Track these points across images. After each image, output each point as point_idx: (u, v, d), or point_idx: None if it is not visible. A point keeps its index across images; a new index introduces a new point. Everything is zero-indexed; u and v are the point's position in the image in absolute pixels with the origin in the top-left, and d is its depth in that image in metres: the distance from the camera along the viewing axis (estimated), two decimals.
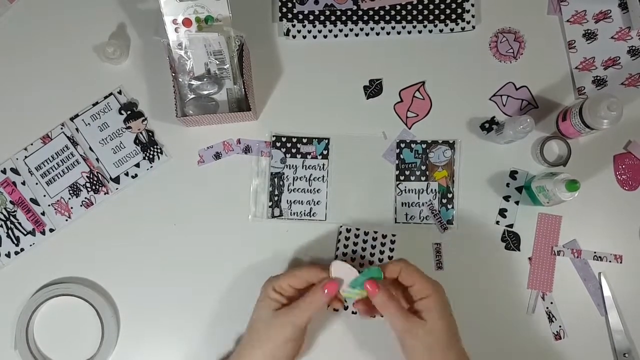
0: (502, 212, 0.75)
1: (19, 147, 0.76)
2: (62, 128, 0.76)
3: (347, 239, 0.75)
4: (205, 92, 0.73)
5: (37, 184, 0.76)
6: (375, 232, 0.75)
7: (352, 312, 0.74)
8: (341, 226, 0.75)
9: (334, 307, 0.70)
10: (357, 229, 0.75)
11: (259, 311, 0.66)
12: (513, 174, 0.76)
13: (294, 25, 0.78)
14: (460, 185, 0.76)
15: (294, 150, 0.76)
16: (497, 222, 0.75)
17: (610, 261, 0.74)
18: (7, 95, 0.77)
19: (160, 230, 0.75)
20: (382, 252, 0.75)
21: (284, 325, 0.63)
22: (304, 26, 0.78)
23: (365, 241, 0.75)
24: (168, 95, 0.73)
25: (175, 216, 0.75)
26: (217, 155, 0.76)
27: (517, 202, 0.75)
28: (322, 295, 0.63)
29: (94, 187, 0.76)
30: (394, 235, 0.75)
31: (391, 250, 0.75)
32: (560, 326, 0.73)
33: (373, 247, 0.75)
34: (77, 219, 0.75)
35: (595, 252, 0.74)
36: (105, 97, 0.77)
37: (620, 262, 0.74)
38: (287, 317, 0.63)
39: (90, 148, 0.76)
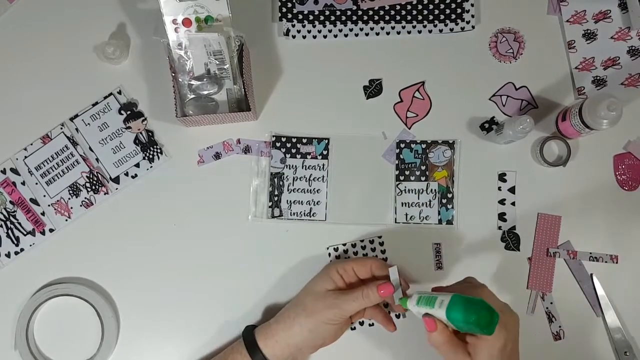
0: (502, 217, 0.75)
1: (18, 147, 0.76)
2: (61, 128, 0.76)
3: (338, 257, 0.75)
4: (205, 92, 0.73)
5: (37, 184, 0.76)
6: (362, 241, 0.75)
7: (370, 325, 0.74)
8: (327, 248, 0.75)
9: (395, 312, 0.73)
10: (344, 245, 0.75)
11: (313, 286, 0.68)
12: (502, 177, 0.76)
13: (293, 25, 0.78)
14: (460, 185, 0.76)
15: (293, 151, 0.76)
16: (500, 227, 0.75)
17: (606, 262, 0.74)
18: (7, 95, 0.77)
19: (160, 231, 0.75)
20: (375, 256, 0.75)
21: (332, 307, 0.63)
22: (303, 26, 0.78)
23: (355, 253, 0.75)
24: (168, 95, 0.73)
25: (175, 216, 0.75)
26: (217, 155, 0.76)
27: (513, 204, 0.75)
28: (376, 294, 0.62)
29: (93, 187, 0.76)
30: (380, 237, 0.75)
31: (383, 252, 0.75)
32: (560, 326, 0.74)
33: (365, 255, 0.75)
34: (77, 219, 0.75)
35: (591, 253, 0.74)
36: (105, 97, 0.77)
37: (616, 263, 0.74)
38: (338, 300, 0.64)
39: (90, 148, 0.76)
